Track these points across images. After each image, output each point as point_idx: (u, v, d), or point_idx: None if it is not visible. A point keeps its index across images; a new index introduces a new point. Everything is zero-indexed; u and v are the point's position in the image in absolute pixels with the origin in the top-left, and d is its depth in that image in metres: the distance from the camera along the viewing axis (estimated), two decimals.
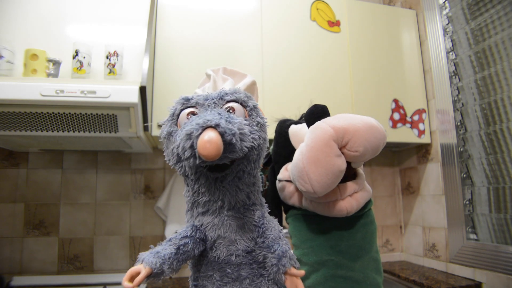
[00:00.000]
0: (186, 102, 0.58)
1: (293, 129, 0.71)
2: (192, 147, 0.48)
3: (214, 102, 0.56)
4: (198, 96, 0.58)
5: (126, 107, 1.10)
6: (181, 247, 0.55)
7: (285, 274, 0.54)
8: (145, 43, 1.22)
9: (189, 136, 0.48)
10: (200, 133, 0.47)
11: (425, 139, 1.67)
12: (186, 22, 1.45)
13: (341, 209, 0.62)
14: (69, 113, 1.09)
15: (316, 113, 0.67)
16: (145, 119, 1.20)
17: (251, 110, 0.57)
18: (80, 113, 1.10)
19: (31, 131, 1.17)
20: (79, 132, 1.20)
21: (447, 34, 1.61)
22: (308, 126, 0.65)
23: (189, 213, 0.61)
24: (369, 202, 0.71)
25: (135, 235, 1.62)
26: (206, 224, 0.58)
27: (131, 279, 0.50)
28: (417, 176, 1.79)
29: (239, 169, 0.56)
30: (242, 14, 1.51)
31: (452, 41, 1.59)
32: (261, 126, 0.57)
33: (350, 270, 0.63)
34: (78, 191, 1.61)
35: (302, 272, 0.55)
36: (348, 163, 0.61)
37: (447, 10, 1.62)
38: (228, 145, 0.48)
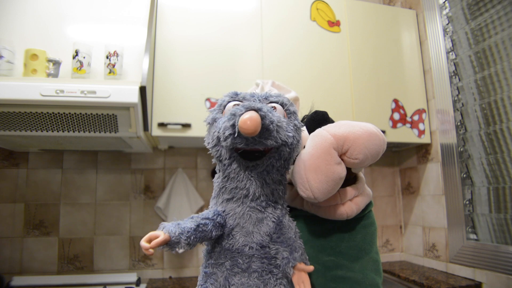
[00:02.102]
0: (235, 96, 0.63)
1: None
2: (234, 126, 0.53)
3: (259, 100, 0.61)
4: (246, 93, 0.63)
5: (126, 107, 1.10)
6: (201, 225, 0.57)
7: (294, 268, 0.57)
8: (145, 43, 1.22)
9: (233, 116, 0.54)
10: (243, 113, 0.52)
11: (425, 139, 1.67)
12: (186, 22, 1.45)
13: (341, 213, 0.64)
14: (69, 113, 1.09)
15: (317, 120, 0.68)
16: (145, 119, 1.20)
17: (290, 114, 0.62)
18: (80, 113, 1.10)
19: (31, 131, 1.17)
20: (79, 132, 1.20)
21: (447, 34, 1.62)
22: (309, 132, 0.66)
23: (215, 199, 0.64)
24: (369, 204, 0.72)
25: (135, 235, 1.62)
26: (228, 210, 0.61)
27: (149, 241, 0.53)
28: (417, 176, 1.79)
29: (269, 163, 0.60)
30: (242, 14, 1.51)
31: (452, 41, 1.59)
32: (297, 129, 0.62)
33: (349, 271, 0.64)
34: (78, 191, 1.61)
35: (311, 267, 0.58)
36: (349, 168, 0.62)
37: (447, 10, 1.62)
38: (265, 130, 0.53)
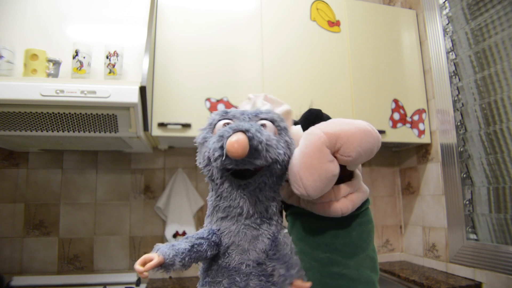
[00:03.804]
0: (224, 114, 0.63)
1: (292, 130, 0.72)
2: (222, 147, 0.54)
3: (249, 117, 0.61)
4: (236, 110, 0.64)
5: (126, 107, 1.10)
6: (196, 245, 0.57)
7: (291, 285, 0.57)
8: (145, 43, 1.22)
9: (221, 137, 0.55)
10: (231, 135, 0.53)
11: (425, 139, 1.67)
12: (186, 22, 1.45)
13: (335, 210, 0.64)
14: (69, 113, 1.09)
15: (310, 118, 0.69)
16: (145, 119, 1.20)
17: (281, 130, 0.63)
18: (80, 113, 1.10)
19: (31, 131, 1.17)
20: (79, 132, 1.20)
21: (447, 34, 1.62)
22: (304, 130, 0.66)
23: (209, 218, 0.64)
24: (366, 202, 0.72)
25: (135, 235, 1.62)
26: (223, 229, 0.61)
27: (144, 264, 0.53)
28: (417, 176, 1.79)
29: (261, 181, 0.60)
30: (242, 14, 1.51)
31: (452, 41, 1.59)
32: (288, 145, 0.62)
33: (345, 268, 0.64)
34: (78, 191, 1.61)
35: (308, 284, 0.57)
36: (344, 165, 0.62)
37: (447, 10, 1.62)
38: (254, 150, 0.54)
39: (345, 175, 0.67)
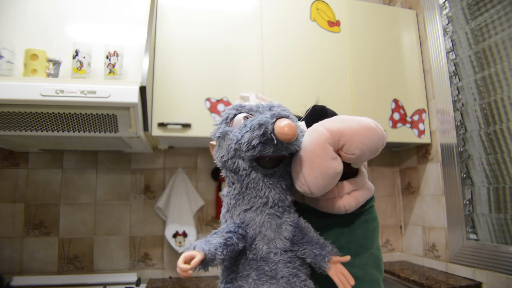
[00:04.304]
0: (240, 108, 0.64)
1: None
2: (264, 134, 0.54)
3: (265, 110, 0.62)
4: (250, 104, 0.65)
5: (126, 107, 1.10)
6: (228, 239, 0.58)
7: (330, 262, 0.59)
8: (145, 43, 1.22)
9: (261, 125, 0.55)
10: (276, 121, 0.54)
11: (425, 139, 1.67)
12: (186, 22, 1.45)
13: (339, 207, 0.64)
14: (69, 113, 1.09)
15: (314, 115, 0.68)
16: (145, 119, 1.20)
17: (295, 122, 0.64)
18: (80, 113, 1.10)
19: (31, 131, 1.17)
20: (79, 132, 1.20)
21: (447, 34, 1.61)
22: (308, 127, 0.66)
23: (229, 213, 0.65)
24: (371, 199, 0.71)
25: (135, 235, 1.62)
26: (247, 221, 0.62)
27: (186, 262, 0.52)
28: (417, 176, 1.79)
29: (284, 169, 0.62)
30: (242, 14, 1.51)
31: (452, 41, 1.59)
32: (303, 136, 0.64)
33: (349, 266, 0.64)
34: (78, 191, 1.61)
35: (347, 257, 0.60)
36: (349, 163, 0.61)
37: (447, 10, 1.62)
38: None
39: (350, 172, 0.66)
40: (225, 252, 0.56)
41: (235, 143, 0.58)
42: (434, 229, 1.65)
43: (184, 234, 1.57)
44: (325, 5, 1.63)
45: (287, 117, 0.56)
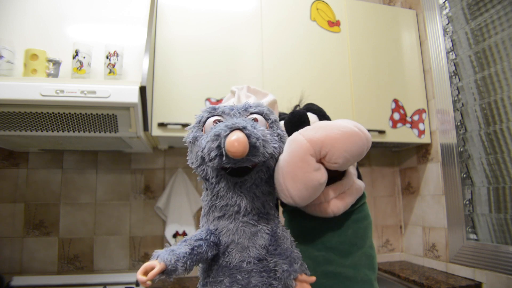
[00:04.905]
0: (213, 111, 0.61)
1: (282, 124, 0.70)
2: (219, 147, 0.52)
3: (239, 112, 0.60)
4: (224, 106, 0.62)
5: (126, 107, 1.10)
6: (196, 248, 0.56)
7: (296, 280, 0.57)
8: (145, 43, 1.22)
9: (217, 136, 0.52)
10: (228, 134, 0.51)
11: (425, 139, 1.67)
12: (186, 22, 1.45)
13: (326, 212, 0.62)
14: (69, 113, 1.09)
15: (294, 122, 0.65)
16: (145, 119, 1.20)
17: (272, 123, 0.61)
18: (80, 113, 1.10)
19: (31, 131, 1.17)
20: (79, 132, 1.20)
21: (447, 34, 1.61)
22: (288, 135, 0.64)
23: (205, 218, 0.63)
24: (361, 197, 0.70)
25: (135, 235, 1.62)
26: (221, 228, 0.60)
27: (145, 273, 0.52)
28: (417, 176, 1.79)
29: (258, 176, 0.59)
30: (242, 14, 1.51)
31: (452, 41, 1.59)
32: (281, 138, 0.61)
33: (340, 266, 0.63)
34: (78, 191, 1.61)
35: (313, 278, 0.57)
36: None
37: (447, 10, 1.62)
38: (252, 147, 0.52)
39: (336, 175, 0.65)
40: (188, 262, 0.55)
41: (201, 151, 0.57)
42: (434, 229, 1.65)
43: (184, 234, 1.57)
44: (325, 5, 1.63)
45: (242, 128, 0.52)
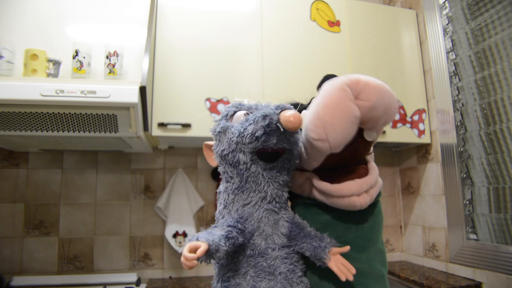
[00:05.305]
0: (240, 106, 0.66)
1: (303, 114, 0.70)
2: (268, 125, 0.56)
3: (264, 107, 0.63)
4: (249, 104, 0.66)
5: (126, 107, 1.10)
6: (229, 232, 0.58)
7: (329, 253, 0.60)
8: (145, 43, 1.22)
9: (266, 116, 0.56)
10: (280, 112, 0.56)
11: (425, 139, 1.67)
12: (186, 22, 1.45)
13: (355, 204, 0.61)
14: (69, 113, 1.09)
15: (329, 79, 0.67)
16: (145, 119, 1.20)
17: None
18: (80, 113, 1.10)
19: (31, 131, 1.17)
20: (79, 132, 1.20)
21: (447, 34, 1.61)
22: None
23: (226, 209, 0.65)
24: (378, 194, 0.70)
25: (135, 235, 1.62)
26: (246, 216, 0.62)
27: (191, 252, 0.51)
28: (417, 176, 1.79)
29: (282, 165, 0.62)
30: (242, 14, 1.51)
31: (452, 41, 1.59)
32: (300, 133, 0.64)
33: (355, 261, 0.63)
34: (78, 191, 1.61)
35: (346, 247, 0.60)
36: (362, 137, 0.61)
37: (447, 10, 1.62)
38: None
39: (363, 153, 0.66)
40: (227, 244, 0.55)
41: (237, 136, 0.59)
42: (434, 229, 1.65)
43: (184, 234, 1.57)
44: (325, 5, 1.63)
45: (291, 109, 0.58)
